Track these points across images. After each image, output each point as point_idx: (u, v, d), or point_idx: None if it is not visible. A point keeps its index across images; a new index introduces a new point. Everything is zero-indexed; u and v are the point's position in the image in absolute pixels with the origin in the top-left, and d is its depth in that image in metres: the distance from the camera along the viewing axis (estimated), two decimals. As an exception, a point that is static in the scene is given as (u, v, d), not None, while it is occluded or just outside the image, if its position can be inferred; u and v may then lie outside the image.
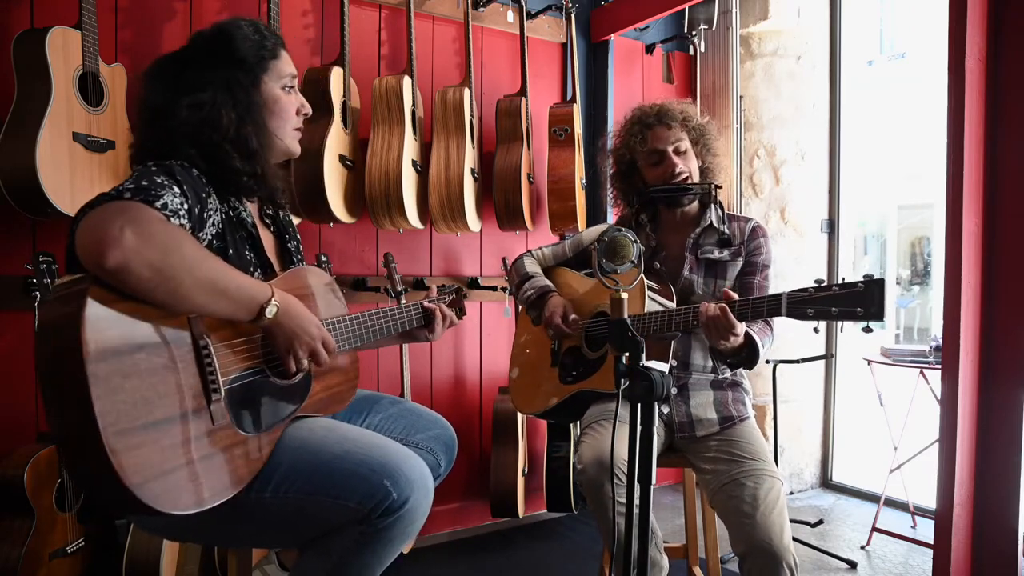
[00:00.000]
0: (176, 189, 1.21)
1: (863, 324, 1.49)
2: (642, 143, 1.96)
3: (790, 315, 1.56)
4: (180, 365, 1.15)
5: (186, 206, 1.21)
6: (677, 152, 1.94)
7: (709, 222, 1.96)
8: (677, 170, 1.92)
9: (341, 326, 1.46)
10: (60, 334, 1.04)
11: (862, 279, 1.48)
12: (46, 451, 1.94)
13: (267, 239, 1.49)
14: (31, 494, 1.88)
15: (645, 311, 1.77)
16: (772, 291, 1.91)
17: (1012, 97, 1.98)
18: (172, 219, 1.17)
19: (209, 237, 1.29)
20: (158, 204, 1.15)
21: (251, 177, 1.38)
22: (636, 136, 1.97)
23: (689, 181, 1.94)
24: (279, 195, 1.49)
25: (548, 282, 2.05)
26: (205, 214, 1.27)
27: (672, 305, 1.85)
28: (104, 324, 1.06)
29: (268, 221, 1.53)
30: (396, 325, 1.63)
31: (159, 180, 1.19)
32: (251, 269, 1.37)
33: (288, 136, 1.47)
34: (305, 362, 1.32)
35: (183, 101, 1.32)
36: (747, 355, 1.76)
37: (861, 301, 1.47)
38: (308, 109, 1.49)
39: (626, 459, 1.56)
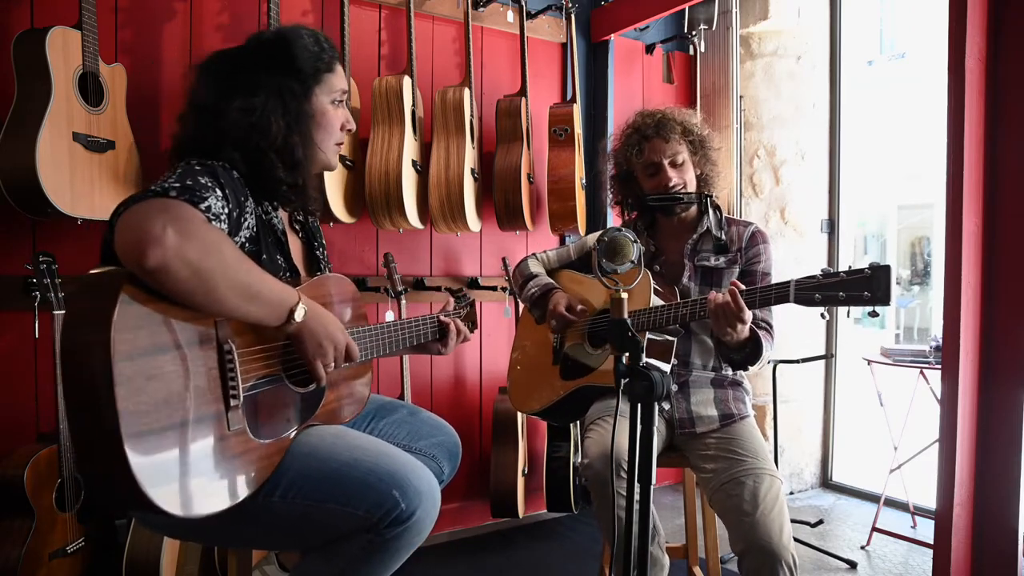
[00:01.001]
0: (219, 192, 1.21)
1: (869, 308, 1.51)
2: (639, 154, 1.95)
3: (798, 301, 1.58)
4: (203, 369, 1.15)
5: (227, 210, 1.21)
6: (673, 164, 1.94)
7: (706, 227, 1.97)
8: (672, 183, 1.92)
9: (360, 337, 1.45)
10: (89, 329, 1.03)
11: (868, 266, 1.51)
12: (46, 451, 1.94)
13: (295, 244, 1.49)
14: (31, 494, 1.88)
15: (651, 304, 1.77)
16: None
17: (1012, 97, 1.97)
18: (214, 222, 1.17)
19: (243, 240, 1.29)
20: (202, 206, 1.15)
21: (291, 188, 1.38)
22: (634, 147, 1.96)
23: (683, 191, 1.94)
24: (312, 203, 1.49)
25: (552, 281, 2.06)
26: (242, 218, 1.27)
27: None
28: (134, 323, 1.05)
29: (297, 227, 1.53)
30: (413, 337, 1.62)
31: (204, 181, 1.19)
32: (280, 273, 1.37)
33: (330, 150, 1.46)
34: (333, 365, 1.31)
35: (234, 103, 1.31)
36: (751, 350, 1.77)
37: (868, 286, 1.49)
38: (352, 125, 1.49)
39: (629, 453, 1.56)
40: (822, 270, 1.56)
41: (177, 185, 1.14)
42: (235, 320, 1.20)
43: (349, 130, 1.48)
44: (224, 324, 1.19)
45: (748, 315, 1.64)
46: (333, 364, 1.32)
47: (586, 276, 2.09)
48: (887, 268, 1.49)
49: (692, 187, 1.96)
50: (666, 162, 1.93)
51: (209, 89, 1.35)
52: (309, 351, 1.28)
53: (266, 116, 1.32)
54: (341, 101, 1.46)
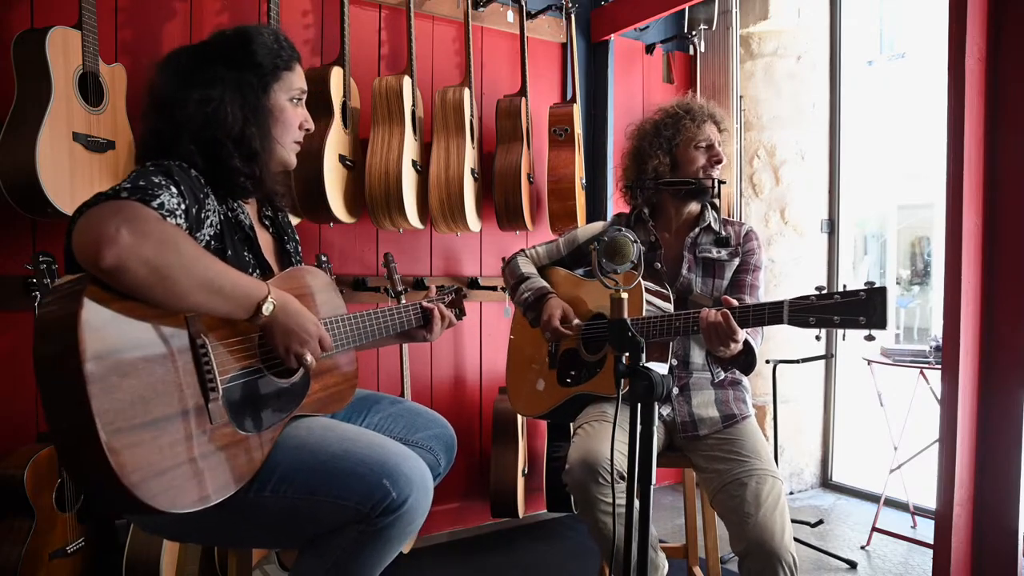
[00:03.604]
0: (173, 189, 1.21)
1: (865, 332, 1.47)
2: (696, 127, 1.95)
3: (792, 323, 1.55)
4: (178, 364, 1.15)
5: (183, 206, 1.21)
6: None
7: (708, 223, 1.98)
8: (723, 161, 1.96)
9: (339, 326, 1.46)
10: (57, 334, 1.04)
11: (864, 287, 1.46)
12: (46, 451, 1.94)
13: (265, 240, 1.49)
14: (31, 494, 1.88)
15: (643, 313, 1.77)
16: (762, 291, 1.94)
17: (1012, 97, 1.97)
18: (169, 219, 1.17)
19: (207, 238, 1.30)
20: (155, 204, 1.15)
21: (248, 178, 1.39)
22: (689, 120, 1.96)
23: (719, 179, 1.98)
24: (277, 198, 1.51)
25: (545, 283, 2.05)
26: (203, 215, 1.28)
27: (669, 307, 1.86)
28: (101, 323, 1.06)
29: (267, 222, 1.54)
30: (394, 325, 1.64)
31: (156, 180, 1.20)
32: (249, 270, 1.37)
33: (289, 147, 1.48)
34: (308, 358, 1.32)
35: (193, 95, 1.33)
36: (744, 361, 1.77)
37: (864, 310, 1.45)
38: (311, 125, 1.51)
39: (611, 460, 1.56)
40: (817, 289, 1.53)
41: (128, 186, 1.15)
42: (206, 315, 1.21)
43: (308, 130, 1.50)
44: (196, 319, 1.19)
45: (741, 335, 1.63)
46: (308, 356, 1.32)
47: (578, 275, 2.09)
48: (883, 291, 1.43)
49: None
50: (718, 148, 1.96)
51: (168, 83, 1.36)
52: (280, 344, 1.29)
53: (223, 107, 1.34)
54: (300, 100, 1.47)
